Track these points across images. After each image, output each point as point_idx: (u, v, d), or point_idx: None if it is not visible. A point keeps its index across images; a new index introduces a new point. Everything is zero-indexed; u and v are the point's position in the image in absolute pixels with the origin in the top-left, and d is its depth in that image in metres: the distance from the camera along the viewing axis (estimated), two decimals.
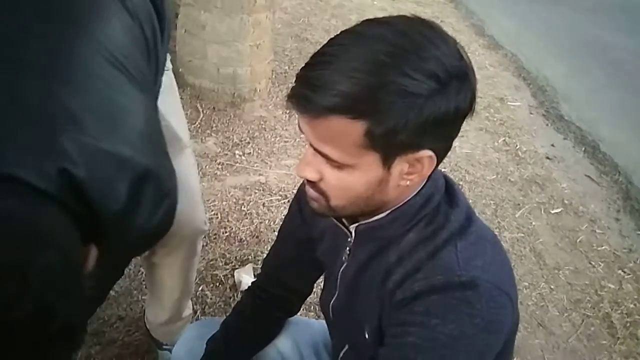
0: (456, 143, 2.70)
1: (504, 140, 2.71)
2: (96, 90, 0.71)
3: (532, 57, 3.73)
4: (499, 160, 2.53)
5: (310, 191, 0.71)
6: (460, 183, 2.30)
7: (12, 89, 0.66)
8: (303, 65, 0.63)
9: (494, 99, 3.11)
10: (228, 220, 1.80)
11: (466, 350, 0.70)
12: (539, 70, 3.56)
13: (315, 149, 0.66)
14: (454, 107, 0.62)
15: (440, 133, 0.64)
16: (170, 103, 1.04)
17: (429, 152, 0.64)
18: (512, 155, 2.60)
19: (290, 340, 1.09)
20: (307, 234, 0.92)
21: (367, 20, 0.65)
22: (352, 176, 0.66)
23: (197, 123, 2.38)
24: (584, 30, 4.28)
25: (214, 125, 2.40)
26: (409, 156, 0.65)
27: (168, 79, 1.03)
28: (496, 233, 2.14)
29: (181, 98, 2.34)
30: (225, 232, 1.75)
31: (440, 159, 0.68)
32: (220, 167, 2.10)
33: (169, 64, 1.03)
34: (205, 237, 1.70)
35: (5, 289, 0.56)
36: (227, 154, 2.20)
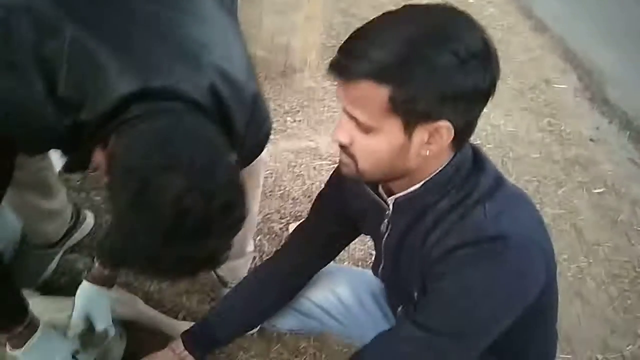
0: (501, 121, 2.74)
1: (549, 121, 2.72)
2: (212, 22, 0.83)
3: (580, 40, 3.69)
4: (543, 140, 2.56)
5: (343, 155, 0.80)
6: (504, 159, 2.35)
7: (164, 23, 0.78)
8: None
9: (540, 81, 3.11)
10: (282, 180, 1.91)
11: (499, 295, 0.78)
12: (587, 54, 3.52)
13: (347, 113, 0.75)
14: (472, 84, 0.70)
15: (458, 107, 0.72)
16: None
17: (447, 123, 0.72)
18: (556, 135, 2.62)
19: (348, 287, 1.17)
20: (347, 214, 1.00)
21: (408, 4, 0.75)
22: (376, 139, 0.74)
23: None
24: (635, 15, 4.18)
25: (267, 92, 2.49)
26: (429, 126, 0.72)
27: None
28: (538, 208, 2.19)
29: None
30: (280, 190, 1.86)
31: (460, 135, 0.75)
32: (273, 131, 2.20)
33: None
34: (261, 193, 1.81)
35: (202, 187, 0.69)
36: (279, 120, 2.30)
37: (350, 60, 0.71)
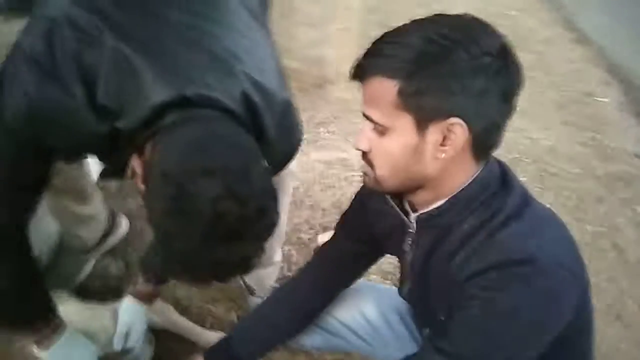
0: (540, 135, 2.67)
1: (590, 135, 2.63)
2: (242, 32, 0.85)
3: (625, 53, 3.56)
4: (584, 155, 2.47)
5: (363, 164, 0.79)
6: (542, 175, 2.28)
7: (197, 33, 0.80)
8: None
9: (582, 94, 3.02)
10: (312, 190, 1.92)
11: (526, 322, 0.74)
12: (631, 67, 3.40)
13: (365, 116, 0.75)
14: (483, 81, 0.69)
15: (469, 105, 0.70)
16: None
17: (459, 120, 0.70)
18: (598, 150, 2.53)
19: (375, 306, 1.14)
20: (371, 234, 0.99)
21: (438, 13, 0.75)
22: (390, 140, 0.73)
23: None
24: None
25: (300, 104, 2.50)
26: (441, 125, 0.71)
27: None
28: (576, 225, 2.10)
29: None
30: (310, 201, 1.87)
31: (479, 140, 0.73)
32: (305, 142, 2.21)
33: None
34: (291, 203, 1.82)
35: (237, 192, 0.70)
36: (311, 131, 2.31)
37: (366, 60, 0.72)
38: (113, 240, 1.51)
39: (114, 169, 0.88)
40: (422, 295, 0.90)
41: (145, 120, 0.77)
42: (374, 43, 0.73)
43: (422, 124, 0.71)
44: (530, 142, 2.45)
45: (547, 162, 2.37)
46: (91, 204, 1.39)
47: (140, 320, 1.15)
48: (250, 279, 1.42)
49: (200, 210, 0.69)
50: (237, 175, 0.71)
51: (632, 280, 1.83)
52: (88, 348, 1.06)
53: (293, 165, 1.21)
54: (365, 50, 0.73)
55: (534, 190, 2.20)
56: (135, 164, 0.81)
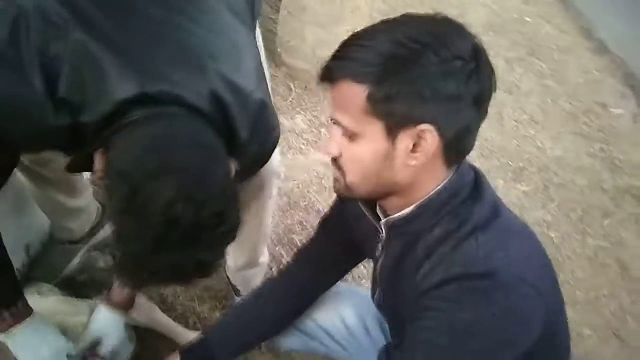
0: (548, 144, 2.60)
1: (601, 147, 2.57)
2: (222, 31, 0.83)
3: None
4: (593, 167, 2.41)
5: (334, 170, 0.77)
6: (547, 185, 2.23)
7: (170, 29, 0.79)
8: None
9: (595, 105, 2.94)
10: (308, 192, 1.89)
11: (483, 338, 0.72)
12: None
13: (333, 121, 0.73)
14: (454, 86, 0.66)
15: (440, 111, 0.68)
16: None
17: (430, 127, 0.68)
18: (608, 163, 2.46)
19: (354, 311, 1.13)
20: (350, 238, 0.97)
21: (407, 14, 0.73)
22: (360, 146, 0.71)
23: (288, 101, 2.48)
24: None
25: (304, 104, 2.49)
26: (412, 132, 0.69)
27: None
28: (579, 239, 2.04)
29: (276, 76, 2.45)
30: (305, 202, 1.84)
31: (451, 147, 0.71)
32: (305, 142, 2.20)
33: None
34: (285, 204, 1.80)
35: (193, 195, 0.68)
36: (313, 132, 2.29)
37: (334, 62, 0.70)
38: (103, 233, 1.51)
39: (79, 163, 0.87)
40: (391, 304, 0.88)
41: (107, 116, 0.76)
42: (342, 45, 0.70)
43: (392, 131, 0.69)
44: (538, 151, 2.40)
45: (554, 172, 2.32)
46: (81, 196, 1.39)
47: (116, 330, 1.11)
48: (236, 279, 1.40)
49: (153, 213, 0.68)
50: (194, 177, 0.70)
51: (634, 297, 1.78)
52: (56, 339, 1.02)
53: (276, 165, 1.19)
54: (333, 52, 0.71)
55: (538, 200, 2.15)
56: (98, 160, 0.80)
